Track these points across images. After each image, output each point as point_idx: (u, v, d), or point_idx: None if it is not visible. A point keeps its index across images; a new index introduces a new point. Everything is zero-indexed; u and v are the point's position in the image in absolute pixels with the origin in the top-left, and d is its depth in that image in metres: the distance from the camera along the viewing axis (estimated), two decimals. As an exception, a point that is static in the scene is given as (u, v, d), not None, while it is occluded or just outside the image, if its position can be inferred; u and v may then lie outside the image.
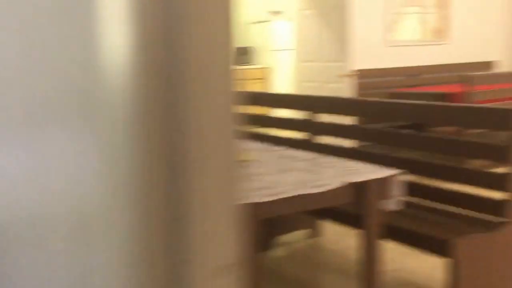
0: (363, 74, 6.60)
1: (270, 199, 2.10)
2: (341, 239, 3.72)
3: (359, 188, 2.40)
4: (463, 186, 2.86)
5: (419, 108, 3.04)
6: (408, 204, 2.94)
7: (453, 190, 2.90)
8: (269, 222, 3.59)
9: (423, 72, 7.26)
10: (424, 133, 3.07)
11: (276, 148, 3.08)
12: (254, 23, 8.84)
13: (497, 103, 5.37)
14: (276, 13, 8.55)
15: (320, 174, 2.46)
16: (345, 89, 5.90)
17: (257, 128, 4.12)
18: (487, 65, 7.82)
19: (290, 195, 2.16)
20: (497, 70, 7.89)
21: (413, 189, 2.99)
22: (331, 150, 3.46)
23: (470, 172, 2.88)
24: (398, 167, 3.00)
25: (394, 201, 2.51)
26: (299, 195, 2.20)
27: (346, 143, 3.59)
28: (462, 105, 2.88)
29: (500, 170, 2.75)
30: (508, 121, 2.70)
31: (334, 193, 2.32)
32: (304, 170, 2.56)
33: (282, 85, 8.43)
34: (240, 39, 9.11)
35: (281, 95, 4.12)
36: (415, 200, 3.03)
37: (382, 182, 2.45)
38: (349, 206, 2.66)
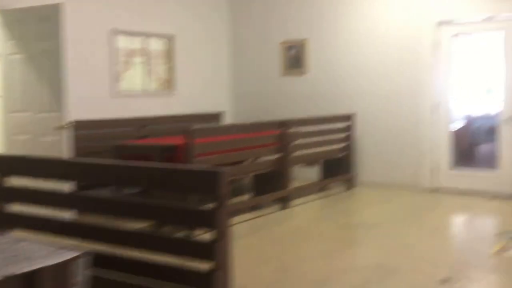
0: (85, 125, 6.12)
1: None
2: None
3: (29, 280, 1.91)
4: (167, 257, 2.57)
5: (112, 169, 2.69)
6: (100, 281, 2.52)
7: (156, 262, 2.58)
8: None
9: (151, 122, 7.07)
10: (123, 196, 2.73)
11: None
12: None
13: (216, 155, 5.37)
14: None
15: (-22, 265, 1.90)
16: (64, 142, 5.34)
17: None
18: (215, 116, 8.00)
19: None
20: (224, 120, 8.12)
21: (108, 262, 2.59)
22: (18, 220, 2.89)
23: (174, 241, 2.60)
24: (91, 236, 2.59)
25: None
26: None
27: (44, 211, 3.06)
28: (153, 166, 2.61)
29: (206, 237, 2.52)
30: (215, 184, 2.49)
31: (-8, 290, 1.79)
32: (-41, 259, 1.97)
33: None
34: None
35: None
36: (110, 275, 2.62)
37: (61, 268, 2.00)
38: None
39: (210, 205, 2.48)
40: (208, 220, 2.52)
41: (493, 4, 6.50)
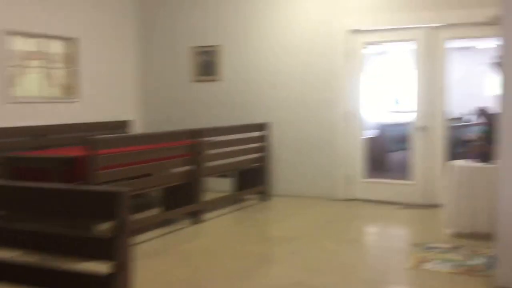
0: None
1: None
2: None
3: None
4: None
5: None
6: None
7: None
8: None
9: (50, 132, 6.49)
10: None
11: None
12: None
13: (121, 168, 4.93)
14: None
15: None
16: None
17: None
18: (122, 124, 7.52)
19: None
20: (132, 130, 7.65)
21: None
22: None
23: (62, 274, 2.19)
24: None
25: None
26: None
27: None
28: (34, 186, 2.19)
29: (105, 270, 2.12)
30: (114, 207, 2.10)
31: None
32: None
33: None
34: None
35: None
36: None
37: None
38: None
39: (107, 232, 2.11)
40: (105, 250, 2.13)
41: (404, 15, 6.50)
